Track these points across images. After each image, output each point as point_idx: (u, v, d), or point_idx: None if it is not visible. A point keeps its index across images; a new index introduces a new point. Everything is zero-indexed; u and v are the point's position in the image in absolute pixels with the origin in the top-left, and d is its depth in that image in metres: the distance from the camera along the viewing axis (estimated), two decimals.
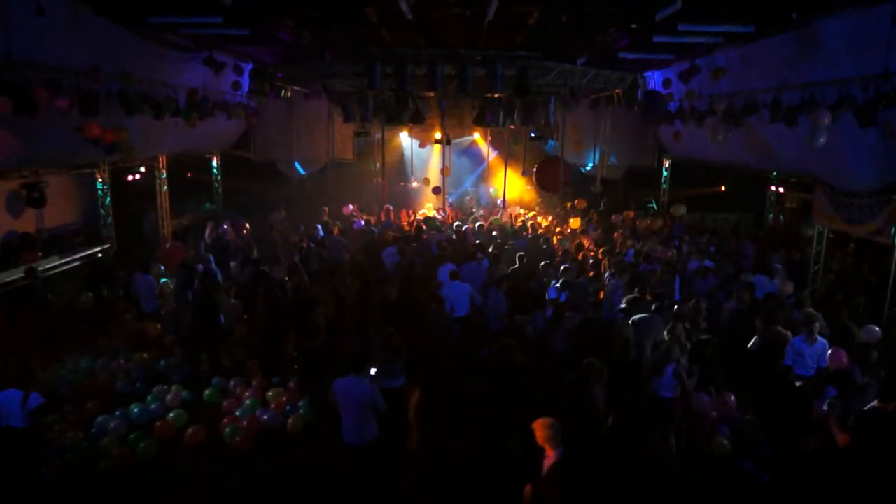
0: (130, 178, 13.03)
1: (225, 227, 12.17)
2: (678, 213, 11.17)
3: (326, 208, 13.50)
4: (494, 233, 12.48)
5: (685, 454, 6.06)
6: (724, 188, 15.31)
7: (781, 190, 13.65)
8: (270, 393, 7.24)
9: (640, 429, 6.10)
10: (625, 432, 6.01)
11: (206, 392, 7.31)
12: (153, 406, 6.93)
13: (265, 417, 6.70)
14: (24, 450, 5.22)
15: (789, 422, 6.16)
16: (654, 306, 7.34)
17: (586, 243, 11.71)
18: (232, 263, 10.60)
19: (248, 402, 7.02)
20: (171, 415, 6.80)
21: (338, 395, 5.27)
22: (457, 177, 18.43)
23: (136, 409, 6.80)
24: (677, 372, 6.00)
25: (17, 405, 5.10)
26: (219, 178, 15.29)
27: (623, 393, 6.25)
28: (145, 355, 8.15)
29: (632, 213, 14.26)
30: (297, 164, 14.44)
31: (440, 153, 15.36)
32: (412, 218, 14.62)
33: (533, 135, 14.90)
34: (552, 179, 15.52)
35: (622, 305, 7.55)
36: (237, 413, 6.84)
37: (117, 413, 6.74)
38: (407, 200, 17.40)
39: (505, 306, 8.25)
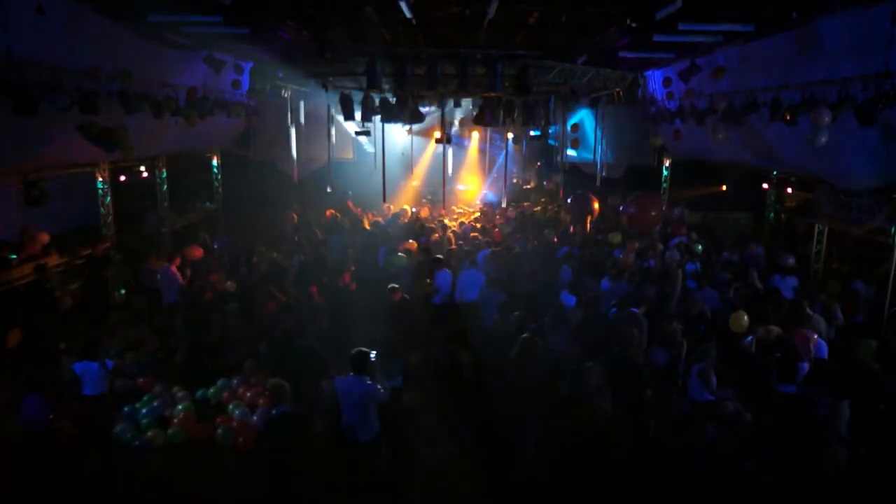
0: (130, 177, 13.02)
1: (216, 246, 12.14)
2: (615, 241, 11.39)
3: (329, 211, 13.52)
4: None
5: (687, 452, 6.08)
6: (724, 188, 15.30)
7: (789, 190, 13.62)
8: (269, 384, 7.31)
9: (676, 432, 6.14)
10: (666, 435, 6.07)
11: (211, 391, 7.36)
12: (156, 403, 6.99)
13: (254, 419, 6.79)
14: (99, 413, 6.21)
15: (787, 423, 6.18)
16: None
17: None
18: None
19: (232, 402, 7.12)
20: (181, 406, 6.89)
21: (339, 393, 5.32)
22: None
23: (143, 410, 6.86)
24: (702, 373, 5.99)
25: (97, 373, 6.04)
26: (219, 177, 15.29)
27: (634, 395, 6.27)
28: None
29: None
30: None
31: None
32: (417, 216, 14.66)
33: (533, 134, 14.90)
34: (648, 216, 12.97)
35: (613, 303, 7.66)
36: (236, 412, 6.88)
37: (125, 409, 6.81)
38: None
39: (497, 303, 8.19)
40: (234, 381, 7.48)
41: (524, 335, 6.42)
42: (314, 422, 5.70)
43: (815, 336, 6.83)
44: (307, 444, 5.28)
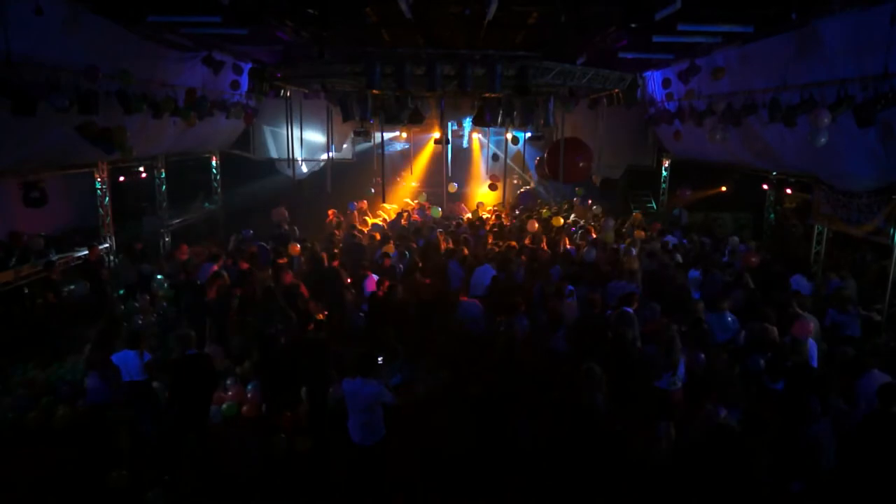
0: (130, 177, 13.01)
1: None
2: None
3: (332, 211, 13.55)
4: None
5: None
6: (724, 189, 15.30)
7: (789, 191, 13.60)
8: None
9: (641, 421, 6.14)
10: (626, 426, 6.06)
11: None
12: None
13: None
14: (145, 397, 6.32)
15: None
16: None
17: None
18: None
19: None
20: None
21: (346, 395, 5.29)
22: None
23: None
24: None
25: (134, 362, 6.14)
26: (218, 177, 15.28)
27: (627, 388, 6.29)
28: None
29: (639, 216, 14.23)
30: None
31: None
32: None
33: (532, 134, 14.87)
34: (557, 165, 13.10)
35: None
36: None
37: None
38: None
39: (480, 310, 8.01)
40: (228, 382, 7.45)
41: (500, 332, 6.50)
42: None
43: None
44: (211, 382, 6.02)
